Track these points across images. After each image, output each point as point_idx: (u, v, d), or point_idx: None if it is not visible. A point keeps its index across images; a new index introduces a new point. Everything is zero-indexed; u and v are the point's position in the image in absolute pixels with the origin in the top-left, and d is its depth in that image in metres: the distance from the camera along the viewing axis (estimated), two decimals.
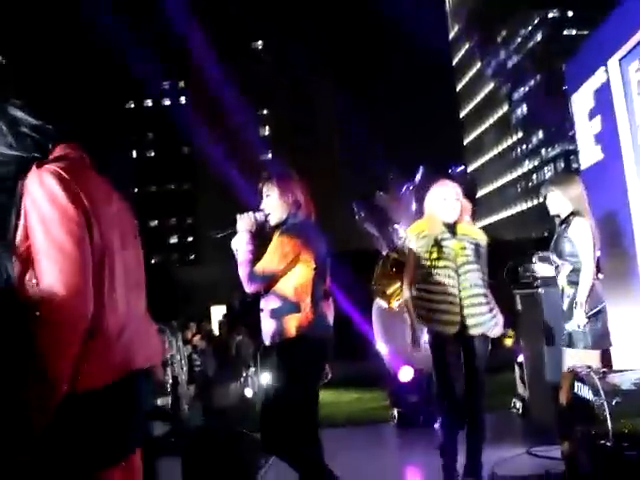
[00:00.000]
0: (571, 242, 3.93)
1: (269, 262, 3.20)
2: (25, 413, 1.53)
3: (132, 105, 76.06)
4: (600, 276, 4.14)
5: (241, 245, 3.28)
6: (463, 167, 8.96)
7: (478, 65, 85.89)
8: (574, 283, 3.86)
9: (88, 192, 1.66)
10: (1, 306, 1.61)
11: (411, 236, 3.98)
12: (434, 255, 3.81)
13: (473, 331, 3.76)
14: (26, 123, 1.75)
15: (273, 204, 3.36)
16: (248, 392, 9.98)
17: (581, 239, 3.90)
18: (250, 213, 3.37)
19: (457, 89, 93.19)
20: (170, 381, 7.93)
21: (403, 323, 6.77)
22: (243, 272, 3.23)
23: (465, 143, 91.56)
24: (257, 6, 66.60)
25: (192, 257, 71.49)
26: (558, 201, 4.09)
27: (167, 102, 76.73)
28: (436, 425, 6.00)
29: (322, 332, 3.26)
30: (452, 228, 3.91)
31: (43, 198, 1.60)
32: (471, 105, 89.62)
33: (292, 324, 3.15)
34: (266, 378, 11.04)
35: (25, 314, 1.56)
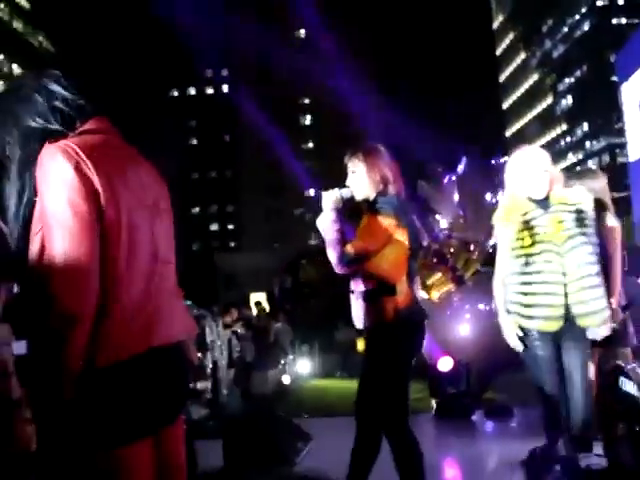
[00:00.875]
0: None
1: (362, 241, 3.03)
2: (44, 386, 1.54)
3: (175, 93, 76.73)
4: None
5: (327, 224, 3.07)
6: (506, 158, 8.82)
7: (522, 55, 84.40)
8: None
9: (106, 167, 1.64)
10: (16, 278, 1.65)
11: (497, 224, 3.48)
12: (526, 241, 3.28)
13: (582, 322, 3.21)
14: (60, 96, 1.76)
15: (360, 181, 3.15)
16: (285, 379, 10.07)
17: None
18: (336, 190, 3.16)
19: (500, 80, 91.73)
20: (210, 365, 8.05)
21: (443, 314, 6.78)
22: (333, 253, 3.03)
23: (508, 135, 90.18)
24: None
25: (232, 244, 72.04)
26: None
27: (210, 90, 77.27)
28: (474, 417, 6.01)
29: (418, 315, 3.13)
30: (543, 202, 3.36)
31: (49, 173, 1.60)
32: (514, 96, 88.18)
33: (389, 307, 2.98)
34: (305, 366, 11.16)
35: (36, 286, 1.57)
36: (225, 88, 76.26)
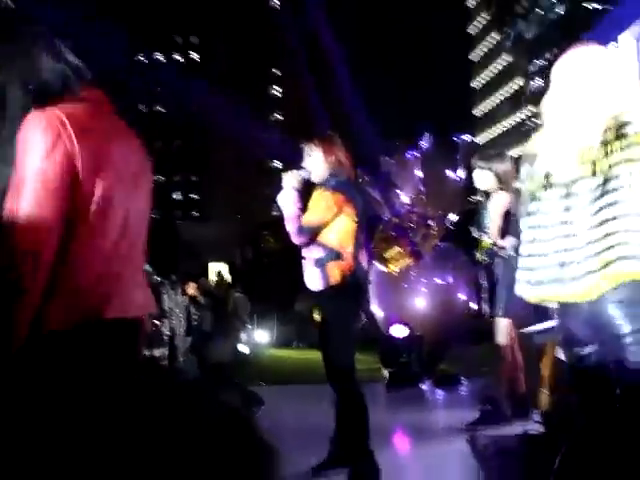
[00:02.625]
0: (490, 215, 4.12)
1: (315, 215, 3.47)
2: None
3: (141, 58, 75.32)
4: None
5: (288, 201, 3.52)
6: (469, 137, 8.89)
7: (495, 35, 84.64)
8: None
9: (89, 140, 1.66)
10: None
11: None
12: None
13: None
14: (62, 56, 1.76)
15: (316, 163, 3.58)
16: (243, 348, 10.12)
17: (497, 212, 4.17)
18: (295, 171, 3.59)
19: (471, 58, 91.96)
20: (167, 333, 8.05)
21: (400, 286, 6.87)
22: (292, 226, 3.48)
23: (476, 114, 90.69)
24: None
25: (195, 214, 71.53)
26: (487, 178, 4.26)
27: (178, 57, 76.01)
28: (423, 386, 6.16)
29: (362, 278, 3.60)
30: None
31: (30, 139, 1.62)
32: (485, 75, 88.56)
33: (336, 271, 3.42)
34: (263, 336, 11.21)
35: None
36: (195, 56, 75.11)
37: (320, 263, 3.46)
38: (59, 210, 1.61)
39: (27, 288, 1.56)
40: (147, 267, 7.45)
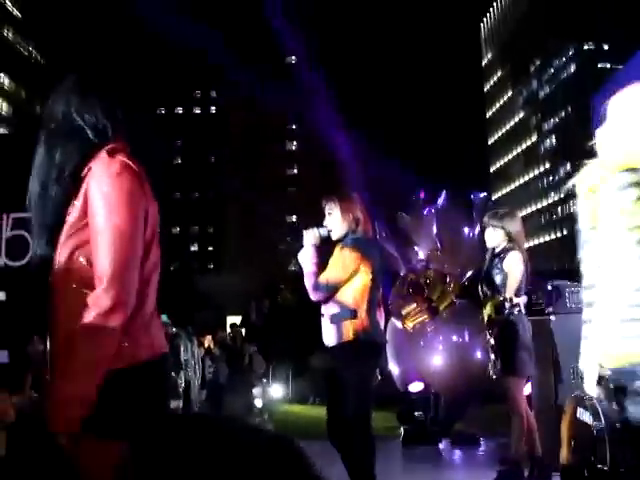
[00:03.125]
0: (503, 274, 4.17)
1: (333, 273, 3.56)
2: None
3: (163, 111, 76.93)
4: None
5: (307, 258, 3.64)
6: (485, 194, 9.00)
7: (509, 93, 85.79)
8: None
9: (146, 187, 1.78)
10: (37, 279, 1.76)
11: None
12: None
13: None
14: (106, 104, 1.85)
15: (336, 221, 3.69)
16: (258, 402, 10.07)
17: (512, 270, 4.22)
18: (315, 229, 3.70)
19: (487, 116, 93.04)
20: (183, 384, 8.06)
21: (416, 343, 6.86)
22: (309, 282, 3.58)
23: (491, 170, 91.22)
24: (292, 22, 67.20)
25: (211, 266, 71.77)
26: (498, 236, 4.34)
27: (197, 110, 77.59)
28: (440, 445, 6.10)
29: (376, 336, 3.62)
30: None
31: (114, 185, 1.70)
32: (500, 133, 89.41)
33: (350, 328, 3.49)
34: (278, 391, 11.13)
35: (68, 289, 1.69)
36: (213, 109, 76.65)
37: (335, 319, 3.55)
38: (139, 256, 1.72)
39: (114, 337, 1.65)
40: (164, 318, 7.52)
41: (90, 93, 1.85)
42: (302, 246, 3.71)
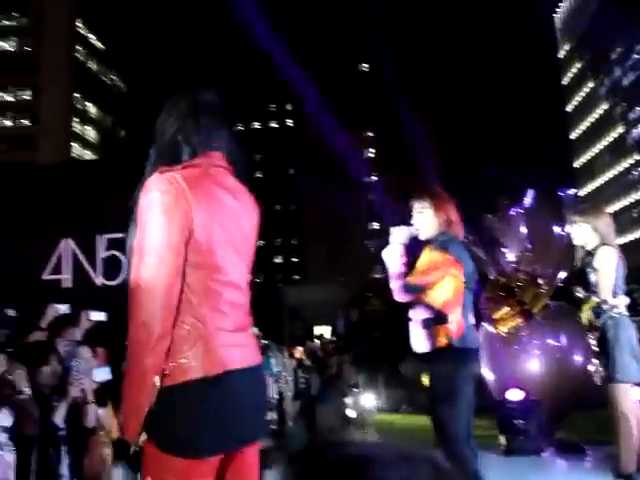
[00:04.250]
0: (597, 273, 3.94)
1: (422, 274, 3.38)
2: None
3: (240, 127, 78.46)
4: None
5: (394, 257, 3.47)
6: (574, 191, 8.69)
7: (591, 84, 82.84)
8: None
9: (203, 201, 1.78)
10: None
11: None
12: None
13: None
14: (200, 124, 1.91)
15: (426, 221, 3.53)
16: (350, 412, 10.02)
17: (606, 268, 3.99)
18: (404, 227, 3.54)
19: (568, 109, 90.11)
20: (276, 396, 8.12)
21: (511, 348, 6.67)
22: (396, 283, 3.42)
23: (576, 166, 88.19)
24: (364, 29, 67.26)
25: (297, 277, 72.41)
26: (585, 233, 4.10)
27: (274, 124, 78.68)
28: (544, 454, 5.86)
29: (470, 343, 3.43)
30: None
31: (153, 201, 1.75)
32: (583, 126, 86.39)
33: (442, 334, 3.33)
34: (370, 400, 11.09)
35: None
36: (289, 122, 77.55)
37: (426, 325, 3.40)
38: (180, 269, 1.73)
39: (156, 353, 1.69)
40: (255, 330, 7.62)
41: (189, 114, 1.91)
42: (388, 244, 3.55)
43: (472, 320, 3.56)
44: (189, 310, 1.75)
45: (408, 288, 3.37)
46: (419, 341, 3.43)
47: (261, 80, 68.96)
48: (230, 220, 1.84)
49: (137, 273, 1.73)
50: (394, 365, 11.84)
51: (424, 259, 3.42)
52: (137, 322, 1.70)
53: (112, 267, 6.61)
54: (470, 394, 3.40)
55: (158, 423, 1.70)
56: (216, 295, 1.78)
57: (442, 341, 3.33)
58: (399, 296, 3.41)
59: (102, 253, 6.71)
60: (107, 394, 3.87)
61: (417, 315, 3.45)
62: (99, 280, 6.69)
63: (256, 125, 79.31)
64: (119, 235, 6.58)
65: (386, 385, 11.83)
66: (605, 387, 4.09)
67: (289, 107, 77.46)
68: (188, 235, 1.74)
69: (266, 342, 8.61)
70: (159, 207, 1.73)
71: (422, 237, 3.54)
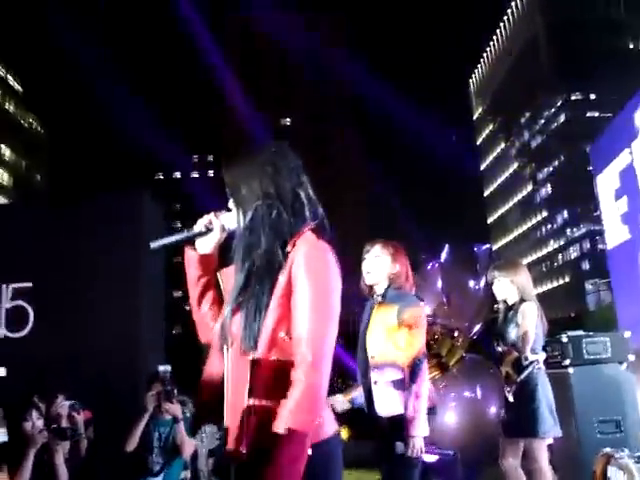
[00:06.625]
0: (519, 328, 4.05)
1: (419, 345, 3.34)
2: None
3: (161, 177, 77.70)
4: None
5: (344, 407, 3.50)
6: (488, 246, 8.98)
7: (502, 145, 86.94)
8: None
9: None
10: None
11: None
12: None
13: None
14: (308, 194, 1.92)
15: (382, 267, 3.46)
16: None
17: (528, 324, 4.05)
18: (339, 396, 3.52)
19: (482, 168, 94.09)
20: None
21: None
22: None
23: (489, 222, 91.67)
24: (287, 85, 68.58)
25: None
26: (505, 287, 4.20)
27: (195, 174, 78.36)
28: None
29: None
30: None
31: (323, 265, 1.78)
32: (495, 184, 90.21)
33: None
34: None
35: (268, 359, 1.75)
36: (211, 172, 77.42)
37: (399, 386, 3.34)
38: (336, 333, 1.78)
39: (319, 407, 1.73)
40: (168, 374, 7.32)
41: (301, 171, 1.95)
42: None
43: None
44: None
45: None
46: (388, 404, 3.25)
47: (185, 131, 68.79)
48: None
49: (323, 330, 1.74)
50: None
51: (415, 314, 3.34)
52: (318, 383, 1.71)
53: (16, 318, 6.25)
54: None
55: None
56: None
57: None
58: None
59: (6, 303, 6.34)
60: (2, 458, 3.60)
61: (385, 377, 3.29)
62: (1, 331, 6.30)
63: (177, 175, 78.78)
64: (26, 285, 6.26)
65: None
66: (524, 442, 4.10)
67: (210, 158, 77.41)
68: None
69: (183, 398, 8.31)
70: (333, 270, 1.79)
71: (369, 281, 3.45)
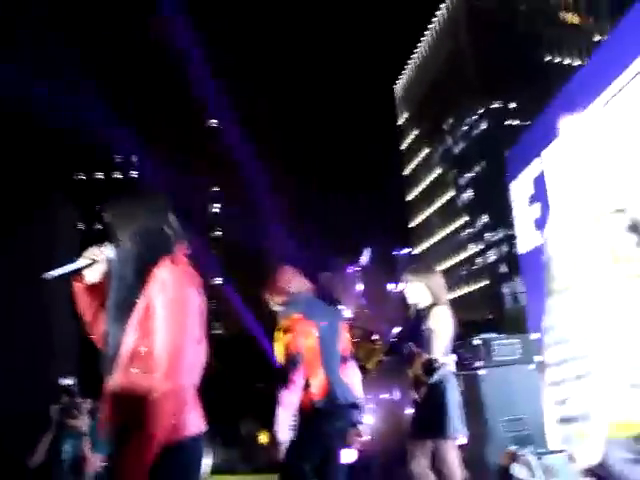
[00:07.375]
0: (430, 332, 4.13)
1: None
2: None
3: (82, 177, 75.55)
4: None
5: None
6: (408, 250, 9.10)
7: (426, 150, 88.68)
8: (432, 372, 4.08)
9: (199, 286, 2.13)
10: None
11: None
12: None
13: None
14: (173, 225, 2.21)
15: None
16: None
17: (439, 328, 4.14)
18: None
19: (405, 173, 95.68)
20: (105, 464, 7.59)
21: None
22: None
23: (412, 226, 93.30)
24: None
25: None
26: (417, 291, 4.29)
27: (118, 175, 76.57)
28: None
29: (339, 399, 3.58)
30: None
31: (176, 289, 2.03)
32: (418, 189, 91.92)
33: (306, 400, 3.50)
34: (205, 459, 10.75)
35: (129, 370, 2.00)
36: (134, 173, 75.79)
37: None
38: (191, 349, 2.07)
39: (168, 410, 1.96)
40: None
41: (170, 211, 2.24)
42: None
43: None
44: None
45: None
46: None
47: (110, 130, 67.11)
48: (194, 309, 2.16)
49: (175, 344, 2.02)
50: (233, 424, 11.61)
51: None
52: None
53: None
54: (319, 454, 3.51)
55: None
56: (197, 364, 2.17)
57: (306, 405, 3.40)
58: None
59: None
60: None
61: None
62: None
63: (99, 175, 76.76)
64: None
65: (223, 444, 11.52)
66: (429, 443, 4.16)
67: (134, 158, 75.82)
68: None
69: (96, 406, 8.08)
70: (183, 290, 2.07)
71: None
